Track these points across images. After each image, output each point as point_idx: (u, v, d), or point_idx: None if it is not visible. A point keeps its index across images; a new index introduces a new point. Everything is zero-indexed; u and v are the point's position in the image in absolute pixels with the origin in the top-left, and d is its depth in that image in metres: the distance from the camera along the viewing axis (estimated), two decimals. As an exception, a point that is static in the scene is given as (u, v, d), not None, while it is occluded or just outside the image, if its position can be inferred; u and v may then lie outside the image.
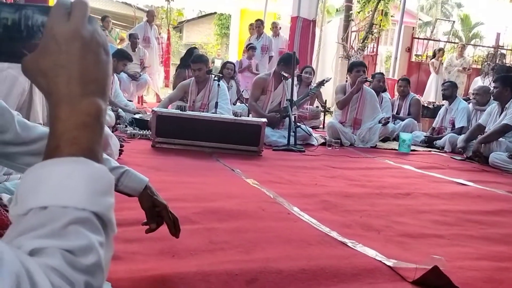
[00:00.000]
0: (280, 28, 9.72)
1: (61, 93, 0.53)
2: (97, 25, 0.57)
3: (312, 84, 6.98)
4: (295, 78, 6.68)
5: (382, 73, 7.07)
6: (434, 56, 10.73)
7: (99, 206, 0.51)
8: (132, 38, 8.69)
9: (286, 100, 5.16)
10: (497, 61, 8.66)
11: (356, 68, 5.80)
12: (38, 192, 0.50)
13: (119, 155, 3.42)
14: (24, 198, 0.50)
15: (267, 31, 9.71)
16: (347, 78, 6.33)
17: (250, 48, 8.84)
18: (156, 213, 1.45)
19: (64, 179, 0.50)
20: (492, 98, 5.50)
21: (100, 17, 9.67)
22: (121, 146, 3.51)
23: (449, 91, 6.28)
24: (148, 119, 4.84)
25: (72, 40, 0.53)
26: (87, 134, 0.54)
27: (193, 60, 5.42)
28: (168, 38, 11.51)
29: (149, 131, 4.58)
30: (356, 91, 5.68)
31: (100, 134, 0.56)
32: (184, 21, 20.89)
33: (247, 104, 6.20)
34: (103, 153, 0.57)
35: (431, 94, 10.26)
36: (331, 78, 6.68)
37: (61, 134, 0.53)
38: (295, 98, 5.37)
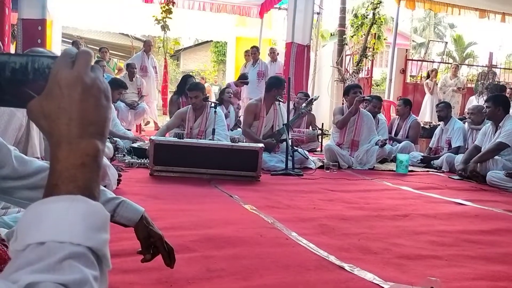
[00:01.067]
0: (278, 54, 9.86)
1: (61, 134, 0.57)
2: (99, 73, 0.61)
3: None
4: (292, 104, 6.76)
5: (379, 97, 7.14)
6: (428, 77, 10.86)
7: (94, 242, 0.54)
8: (130, 68, 8.79)
9: (283, 124, 5.20)
10: (490, 80, 8.75)
11: (352, 90, 5.94)
12: (36, 229, 0.52)
13: (118, 185, 3.43)
14: (23, 234, 0.53)
15: (263, 57, 9.84)
16: (343, 101, 6.42)
17: (243, 82, 9.10)
18: (152, 244, 1.46)
19: (61, 216, 0.53)
20: (486, 118, 5.56)
21: (98, 49, 9.81)
22: (119, 175, 3.53)
23: (444, 112, 6.33)
24: (147, 147, 4.87)
25: (74, 85, 0.57)
26: (85, 173, 0.57)
27: (189, 88, 5.48)
28: (165, 67, 11.64)
29: (147, 159, 4.60)
30: (355, 110, 5.75)
31: (97, 173, 0.59)
32: (181, 49, 21.15)
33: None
34: (100, 190, 0.60)
35: (426, 114, 10.35)
36: (318, 96, 6.77)
37: (60, 172, 0.56)
38: (285, 120, 5.40)
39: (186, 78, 7.56)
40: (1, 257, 1.18)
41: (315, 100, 6.07)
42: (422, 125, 8.07)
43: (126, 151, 5.21)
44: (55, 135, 0.57)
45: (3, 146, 1.25)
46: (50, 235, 0.52)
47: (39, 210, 0.54)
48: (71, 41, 10.98)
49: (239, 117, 7.73)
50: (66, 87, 0.57)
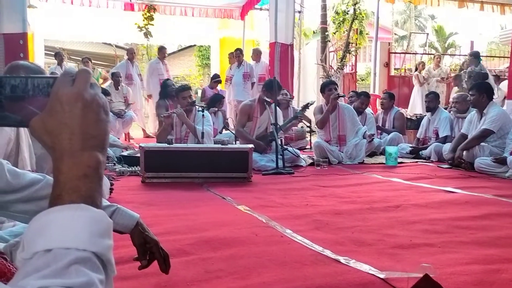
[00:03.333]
0: (261, 53, 9.89)
1: (64, 148, 0.59)
2: (98, 89, 0.63)
3: (295, 107, 7.10)
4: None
5: (367, 94, 7.20)
6: (416, 69, 10.97)
7: (99, 247, 0.56)
8: (115, 76, 8.78)
9: (271, 124, 5.23)
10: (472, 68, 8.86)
11: (327, 87, 5.99)
12: (43, 237, 0.55)
13: (110, 194, 3.44)
14: (30, 244, 0.55)
15: (247, 58, 9.86)
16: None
17: (216, 81, 9.45)
18: (148, 250, 1.47)
19: (66, 224, 0.56)
20: (470, 105, 5.64)
21: (81, 59, 9.77)
22: (111, 184, 3.53)
23: (433, 103, 6.41)
24: (137, 155, 4.87)
25: (75, 101, 0.60)
26: (87, 184, 0.60)
27: (183, 88, 5.49)
28: (151, 74, 11.61)
29: (138, 167, 4.60)
30: (332, 108, 5.81)
31: (99, 183, 0.61)
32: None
33: (233, 132, 6.26)
34: (101, 199, 0.62)
35: (417, 107, 10.41)
36: (314, 101, 6.81)
37: (63, 183, 0.59)
38: (280, 122, 5.45)
39: (166, 82, 7.77)
40: (1, 270, 1.19)
41: (310, 104, 6.10)
42: (409, 116, 8.18)
43: (116, 160, 5.20)
44: (57, 149, 0.60)
45: (-4, 160, 1.26)
46: (56, 242, 0.54)
47: (45, 219, 0.56)
48: (53, 53, 10.90)
49: (226, 119, 7.75)
50: (68, 103, 0.60)
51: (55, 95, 0.60)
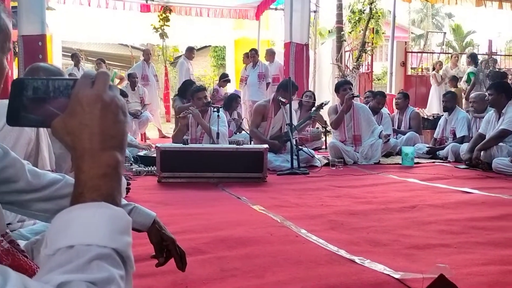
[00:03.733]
0: (274, 53, 9.90)
1: (85, 147, 0.62)
2: (117, 91, 0.66)
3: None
4: (296, 103, 6.80)
5: (383, 93, 7.16)
6: (434, 69, 10.88)
7: (119, 244, 0.58)
8: (131, 77, 8.86)
9: (286, 125, 5.24)
10: (490, 68, 8.77)
11: (342, 87, 5.95)
12: (65, 234, 0.57)
13: (127, 193, 3.48)
14: (52, 240, 0.58)
15: (262, 58, 9.88)
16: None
17: (225, 80, 9.52)
18: (164, 247, 1.49)
19: (88, 221, 0.58)
20: (488, 105, 5.58)
21: (95, 60, 9.90)
22: (128, 184, 3.57)
23: (451, 103, 6.35)
24: (153, 155, 4.91)
25: (95, 102, 0.62)
26: (107, 182, 0.62)
27: (198, 89, 5.55)
28: (166, 74, 11.71)
29: (154, 167, 4.64)
30: (347, 109, 5.79)
31: (118, 182, 0.64)
32: (180, 56, 21.19)
33: (248, 132, 6.29)
34: (121, 197, 0.65)
35: (434, 107, 10.32)
36: (329, 101, 6.78)
37: (84, 182, 0.61)
38: (295, 122, 5.46)
39: (186, 82, 7.78)
40: (22, 267, 1.22)
41: (325, 104, 6.10)
42: (425, 116, 8.11)
43: (132, 159, 5.25)
44: (78, 149, 0.62)
45: (17, 161, 1.29)
46: (78, 239, 0.56)
47: (67, 217, 0.59)
48: (70, 54, 11.06)
49: (242, 119, 7.79)
50: (88, 105, 0.62)
51: (75, 97, 0.62)
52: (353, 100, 5.88)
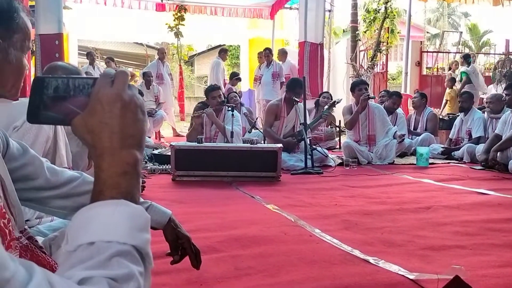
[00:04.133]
0: (286, 53, 9.90)
1: (104, 146, 0.63)
2: (136, 91, 0.67)
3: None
4: (312, 102, 6.79)
5: (399, 94, 7.10)
6: (450, 69, 10.80)
7: (138, 241, 0.59)
8: (146, 76, 8.92)
9: (300, 124, 5.24)
10: (508, 68, 8.68)
11: (357, 87, 5.90)
12: (86, 231, 0.58)
13: (142, 191, 3.51)
14: (73, 237, 0.59)
15: (277, 58, 9.88)
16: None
17: (236, 79, 9.86)
18: (180, 245, 1.50)
19: (108, 218, 0.59)
20: (505, 105, 5.51)
21: (104, 59, 10.01)
22: (143, 182, 3.60)
23: (467, 103, 6.29)
24: (168, 153, 4.94)
25: (114, 101, 0.63)
26: (126, 180, 0.63)
27: (213, 88, 5.59)
28: (181, 73, 11.77)
29: (169, 165, 4.67)
30: (362, 109, 5.76)
31: (137, 180, 0.65)
32: (195, 55, 21.29)
33: (261, 131, 6.29)
34: (139, 195, 0.66)
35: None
36: (341, 99, 6.75)
37: (104, 180, 0.62)
38: (308, 121, 5.45)
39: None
40: (41, 263, 1.24)
41: (337, 103, 6.08)
42: (441, 116, 8.04)
43: (147, 158, 5.29)
44: (98, 148, 0.63)
45: (36, 158, 1.31)
46: (98, 236, 0.58)
47: (87, 214, 0.60)
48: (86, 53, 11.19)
49: (256, 119, 7.78)
50: (107, 104, 0.63)
51: (95, 96, 0.63)
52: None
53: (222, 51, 10.46)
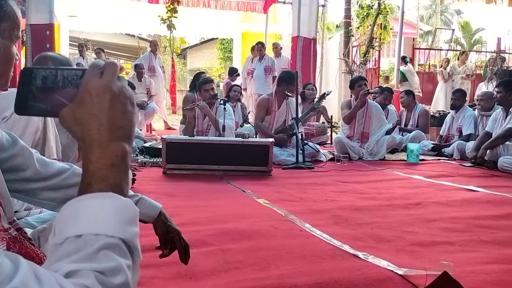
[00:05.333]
0: (281, 48, 9.88)
1: (93, 138, 0.62)
2: (125, 82, 0.66)
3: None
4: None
5: (391, 90, 7.12)
6: (441, 66, 10.84)
7: (126, 234, 0.59)
8: (138, 68, 8.86)
9: (291, 118, 5.24)
10: (499, 66, 8.72)
11: (357, 83, 5.92)
12: (73, 223, 0.58)
13: (132, 184, 3.50)
14: (61, 229, 0.58)
15: (269, 52, 9.86)
16: (351, 94, 6.44)
17: (237, 74, 10.00)
18: (169, 239, 1.50)
19: (96, 211, 0.58)
20: (496, 103, 5.55)
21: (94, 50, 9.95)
22: (133, 175, 3.59)
23: (460, 101, 6.32)
24: (159, 146, 4.92)
25: (103, 93, 0.62)
26: (115, 173, 0.62)
27: (205, 81, 5.51)
28: (173, 66, 11.70)
29: (160, 158, 4.66)
30: (361, 105, 5.76)
31: (126, 172, 0.64)
32: (187, 47, 21.18)
33: (253, 125, 6.28)
34: (128, 188, 0.65)
35: (440, 104, 10.29)
36: (331, 91, 6.74)
37: (92, 172, 0.61)
38: (299, 114, 5.45)
39: (199, 74, 7.64)
40: (29, 255, 1.23)
41: (327, 95, 6.08)
42: (432, 113, 8.08)
43: (138, 151, 5.27)
44: (87, 139, 0.62)
45: (26, 149, 1.30)
46: (86, 228, 0.57)
47: (75, 206, 0.59)
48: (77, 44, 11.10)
49: (248, 113, 7.77)
50: (96, 95, 0.62)
51: (84, 87, 0.63)
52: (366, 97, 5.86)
53: (151, 43, 10.33)
